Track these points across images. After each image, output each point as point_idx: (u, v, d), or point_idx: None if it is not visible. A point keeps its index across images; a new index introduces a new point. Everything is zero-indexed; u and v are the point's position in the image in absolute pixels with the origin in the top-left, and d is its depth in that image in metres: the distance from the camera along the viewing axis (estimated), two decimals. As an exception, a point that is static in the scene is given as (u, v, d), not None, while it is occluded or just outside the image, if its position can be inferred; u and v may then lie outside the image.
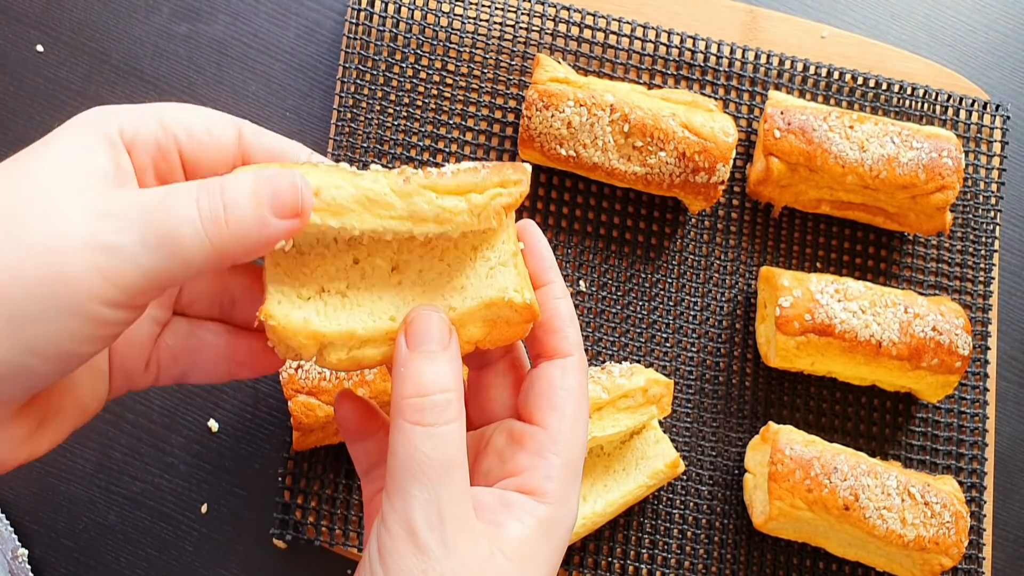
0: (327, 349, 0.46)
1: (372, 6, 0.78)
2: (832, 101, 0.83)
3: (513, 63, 0.80)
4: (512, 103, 0.79)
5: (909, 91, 0.84)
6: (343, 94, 0.77)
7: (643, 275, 0.79)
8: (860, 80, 0.83)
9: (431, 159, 0.78)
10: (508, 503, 0.45)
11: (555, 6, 0.80)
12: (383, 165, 0.77)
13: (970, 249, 0.83)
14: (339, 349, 0.46)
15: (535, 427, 0.47)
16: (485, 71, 0.79)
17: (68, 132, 0.44)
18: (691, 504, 0.76)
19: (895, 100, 0.84)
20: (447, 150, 0.78)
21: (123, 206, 0.41)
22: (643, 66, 0.81)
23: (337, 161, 0.76)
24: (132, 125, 0.45)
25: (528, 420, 0.48)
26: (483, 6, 0.80)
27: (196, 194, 0.41)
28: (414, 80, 0.78)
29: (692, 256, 0.80)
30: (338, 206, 0.44)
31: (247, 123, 0.48)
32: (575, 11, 0.81)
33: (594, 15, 0.81)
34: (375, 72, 0.78)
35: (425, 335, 0.45)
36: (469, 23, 0.79)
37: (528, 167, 0.48)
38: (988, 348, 0.81)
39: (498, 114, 0.79)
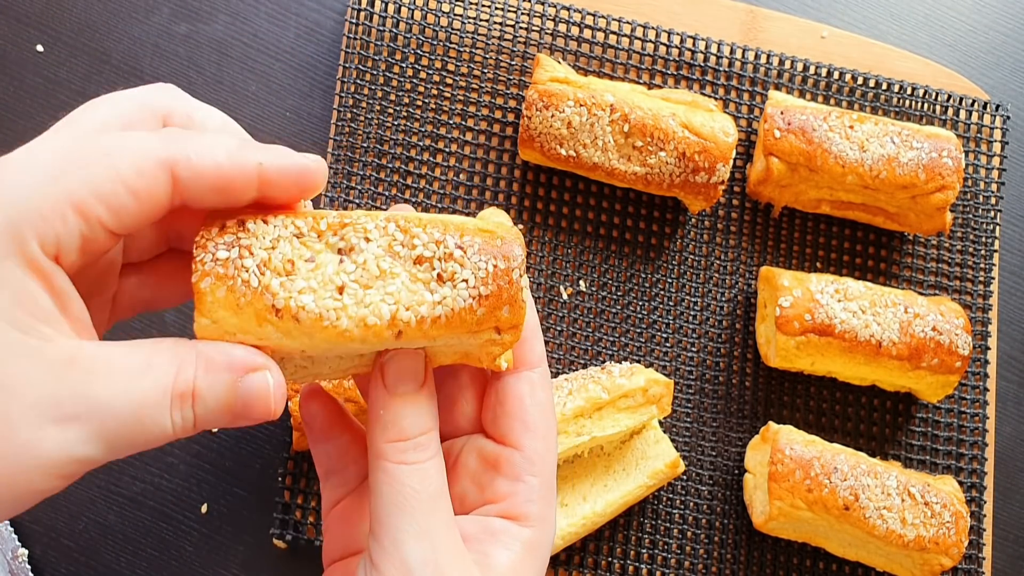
0: (283, 363, 0.44)
1: (372, 6, 0.78)
2: (832, 101, 0.83)
3: (513, 63, 0.80)
4: (512, 103, 0.79)
5: (909, 91, 0.84)
6: (343, 94, 0.77)
7: (643, 275, 0.79)
8: (860, 80, 0.83)
9: (431, 159, 0.78)
10: (492, 531, 0.45)
11: (555, 6, 0.80)
12: (384, 165, 0.77)
13: (970, 249, 0.83)
14: (293, 365, 0.45)
15: (510, 449, 0.47)
16: (485, 71, 0.79)
17: None
18: (691, 504, 0.76)
19: (895, 100, 0.84)
20: (447, 150, 0.78)
21: (88, 411, 0.38)
22: (643, 66, 0.81)
23: (337, 162, 0.76)
24: (52, 233, 0.39)
25: (501, 440, 0.47)
26: (483, 6, 0.80)
27: (169, 407, 0.40)
28: (414, 80, 0.78)
29: (692, 256, 0.80)
30: (321, 360, 0.45)
31: (180, 155, 0.41)
32: (575, 11, 0.81)
33: (594, 15, 0.81)
34: (375, 72, 0.78)
35: (403, 374, 0.44)
36: (469, 23, 0.79)
37: (525, 297, 0.45)
38: (988, 348, 0.81)
39: (498, 114, 0.79)
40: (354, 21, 0.78)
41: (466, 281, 0.43)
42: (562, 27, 0.81)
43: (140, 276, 0.49)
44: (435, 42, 0.79)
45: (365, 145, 0.77)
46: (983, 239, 0.83)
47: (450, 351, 0.46)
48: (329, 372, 0.46)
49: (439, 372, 0.51)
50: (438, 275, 0.43)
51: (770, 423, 0.74)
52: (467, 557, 0.43)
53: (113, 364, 0.39)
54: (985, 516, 0.79)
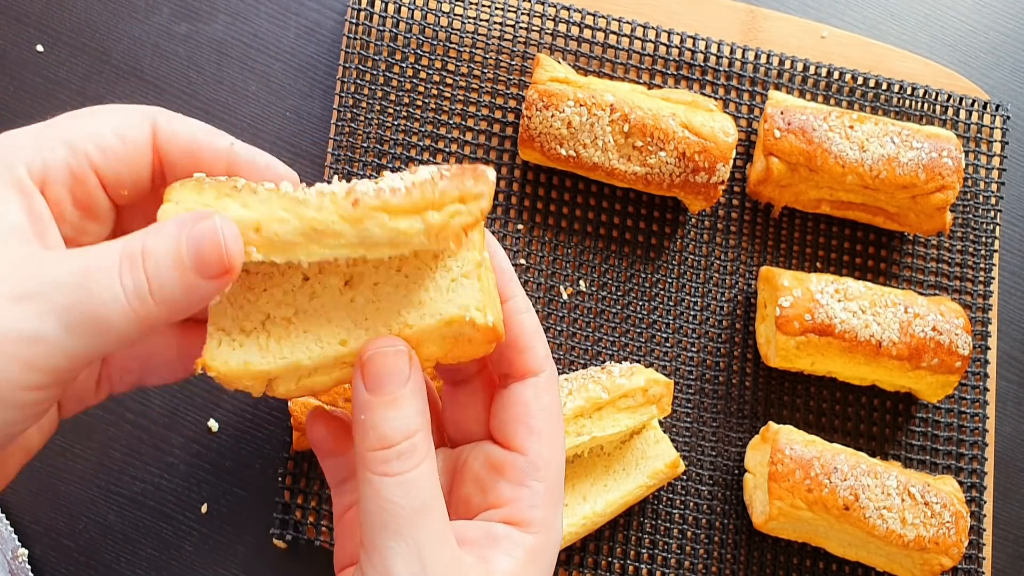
0: (275, 383, 0.44)
1: (372, 6, 0.78)
2: (832, 101, 0.83)
3: (513, 63, 0.80)
4: (512, 103, 0.79)
5: (909, 91, 0.84)
6: (343, 94, 0.77)
7: (643, 275, 0.79)
8: (860, 80, 0.83)
9: (431, 159, 0.78)
10: (494, 536, 0.44)
11: (555, 6, 0.80)
12: (383, 164, 0.77)
13: (970, 249, 0.83)
14: (288, 381, 0.44)
15: (514, 454, 0.46)
16: (485, 71, 0.79)
17: None
18: (691, 504, 0.76)
19: (895, 100, 0.84)
20: (447, 150, 0.78)
21: (39, 286, 0.38)
22: (643, 66, 0.81)
23: (337, 162, 0.76)
24: (40, 159, 0.42)
25: (506, 445, 0.46)
26: (483, 6, 0.80)
27: (118, 269, 0.38)
28: (414, 80, 0.78)
29: (692, 256, 0.80)
30: (282, 242, 0.40)
31: (161, 114, 0.45)
32: (575, 11, 0.81)
33: (594, 15, 0.81)
34: (375, 72, 0.78)
35: (383, 376, 0.42)
36: (469, 23, 0.79)
37: (491, 175, 0.43)
38: (988, 348, 0.81)
39: (498, 114, 0.79)
40: (354, 21, 0.78)
41: (429, 171, 0.42)
42: (562, 27, 0.81)
43: (128, 354, 0.49)
44: (435, 42, 0.79)
45: (365, 145, 0.77)
46: (983, 239, 0.83)
47: (436, 335, 0.44)
48: (325, 380, 0.44)
49: (450, 380, 0.50)
50: (401, 177, 0.41)
51: (770, 423, 0.74)
52: (464, 566, 0.42)
53: (68, 252, 0.39)
54: (985, 516, 0.79)
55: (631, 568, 0.74)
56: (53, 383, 0.39)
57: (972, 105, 0.85)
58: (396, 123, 0.77)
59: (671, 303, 0.79)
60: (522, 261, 0.78)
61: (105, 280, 0.38)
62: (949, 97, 0.84)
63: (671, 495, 0.76)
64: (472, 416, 0.49)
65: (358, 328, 0.43)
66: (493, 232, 0.78)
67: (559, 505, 0.46)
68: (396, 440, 0.41)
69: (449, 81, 0.79)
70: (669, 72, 0.81)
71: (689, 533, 0.75)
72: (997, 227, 0.84)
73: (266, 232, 0.40)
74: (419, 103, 0.78)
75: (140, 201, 0.47)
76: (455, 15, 0.79)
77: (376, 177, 0.44)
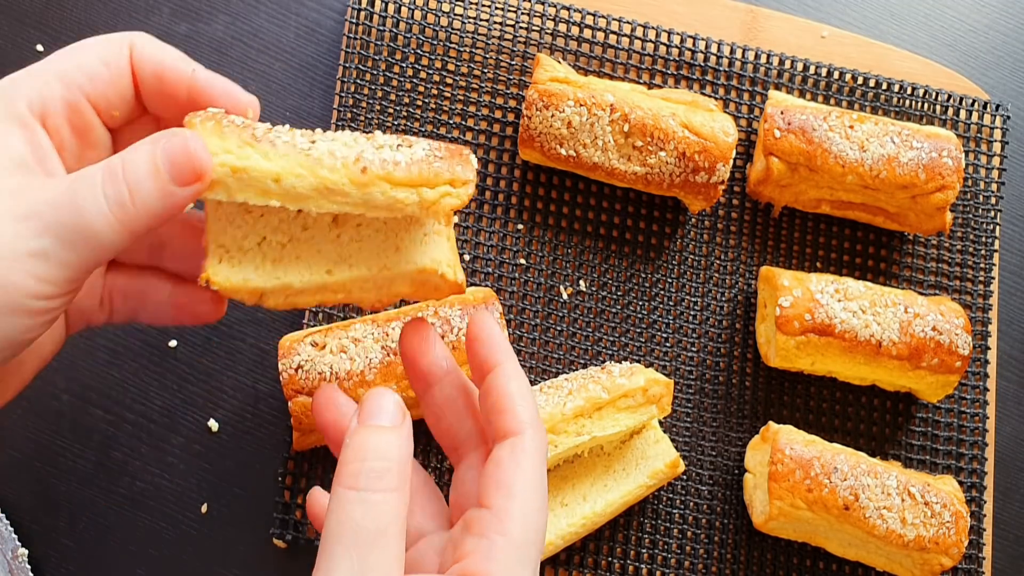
0: (265, 297, 0.49)
1: (372, 6, 0.78)
2: (832, 101, 0.83)
3: (513, 63, 0.80)
4: (512, 103, 0.79)
5: (909, 91, 0.84)
6: (343, 94, 0.77)
7: (643, 275, 0.79)
8: (860, 80, 0.83)
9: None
10: None
11: (555, 6, 0.80)
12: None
13: (970, 249, 0.83)
14: (277, 297, 0.49)
15: (483, 509, 0.46)
16: (485, 71, 0.79)
17: None
18: (691, 504, 0.76)
19: (895, 100, 0.84)
20: (447, 150, 0.78)
21: (36, 205, 0.42)
22: (643, 66, 0.81)
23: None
24: (38, 95, 0.46)
25: (480, 504, 0.46)
26: (483, 6, 0.80)
27: (100, 182, 0.42)
28: (414, 80, 0.78)
29: (692, 256, 0.80)
30: (297, 194, 0.46)
31: (138, 38, 0.49)
32: (575, 11, 0.81)
33: (594, 15, 0.81)
34: (375, 72, 0.78)
35: (376, 412, 0.44)
36: (469, 23, 0.79)
37: (474, 162, 0.49)
38: (988, 348, 0.81)
39: (498, 114, 0.79)
40: (354, 21, 0.78)
41: (424, 148, 0.48)
42: (562, 27, 0.81)
43: (127, 284, 0.52)
44: (435, 42, 0.79)
45: (365, 145, 0.77)
46: (983, 239, 0.83)
47: (408, 279, 0.50)
48: (308, 300, 0.49)
49: (452, 453, 0.52)
50: (398, 145, 0.47)
51: (770, 423, 0.74)
52: None
53: (62, 176, 0.45)
54: (985, 516, 0.79)
55: (631, 568, 0.74)
56: (59, 293, 0.43)
57: (972, 105, 0.85)
58: (396, 123, 0.77)
59: (671, 303, 0.79)
60: (522, 261, 0.78)
61: (89, 193, 0.42)
62: (949, 97, 0.84)
63: (671, 495, 0.76)
64: (470, 490, 0.50)
65: (343, 263, 0.49)
66: (493, 232, 0.78)
67: (526, 565, 0.45)
68: (369, 457, 0.43)
69: (449, 81, 0.79)
70: (669, 72, 0.81)
71: (689, 533, 0.75)
72: (997, 227, 0.84)
73: (284, 184, 0.45)
74: (419, 103, 0.78)
75: (133, 123, 0.51)
76: (455, 15, 0.79)
77: (369, 132, 0.52)
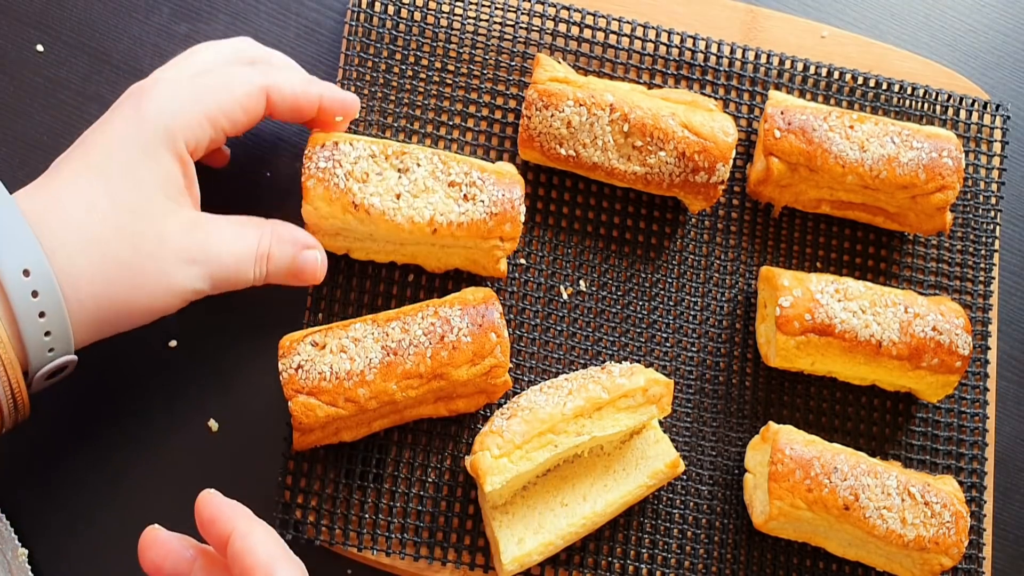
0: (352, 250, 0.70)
1: (372, 6, 0.78)
2: (832, 101, 0.83)
3: (513, 63, 0.80)
4: (512, 103, 0.79)
5: (909, 91, 0.84)
6: (343, 94, 0.77)
7: (643, 275, 0.79)
8: (860, 80, 0.83)
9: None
10: None
11: (555, 6, 0.80)
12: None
13: (970, 249, 0.83)
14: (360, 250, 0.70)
15: None
16: (485, 71, 0.79)
17: (147, 159, 0.58)
18: (691, 504, 0.76)
19: (895, 100, 0.84)
20: (447, 150, 0.78)
21: (206, 257, 0.60)
22: (643, 66, 0.81)
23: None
24: (195, 137, 0.60)
25: None
26: (483, 6, 0.80)
27: (254, 263, 0.63)
28: (414, 80, 0.78)
29: (692, 256, 0.80)
30: (381, 240, 0.69)
31: (271, 85, 0.63)
32: (575, 11, 0.81)
33: (594, 15, 0.81)
34: (375, 72, 0.78)
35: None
36: (469, 23, 0.79)
37: (522, 217, 0.69)
38: (988, 348, 0.81)
39: (498, 114, 0.79)
40: (354, 21, 0.78)
41: (483, 202, 0.66)
42: (562, 27, 0.81)
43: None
44: (435, 42, 0.79)
45: (365, 145, 0.77)
46: (983, 239, 0.83)
47: (465, 254, 0.70)
48: (383, 253, 0.70)
49: None
50: (464, 195, 0.66)
51: (770, 423, 0.74)
52: None
53: (221, 230, 0.61)
54: (985, 516, 0.79)
55: (631, 568, 0.74)
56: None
57: (972, 105, 0.85)
58: (396, 123, 0.77)
59: (671, 303, 0.79)
60: (522, 261, 0.78)
61: (246, 268, 0.62)
62: (949, 97, 0.84)
63: (671, 495, 0.76)
64: None
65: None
66: (493, 232, 0.78)
67: None
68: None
69: (449, 81, 0.79)
70: (669, 72, 0.81)
71: (689, 533, 0.75)
72: (997, 227, 0.84)
73: (376, 238, 0.68)
74: (419, 103, 0.78)
75: None
76: (455, 15, 0.79)
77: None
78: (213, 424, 0.73)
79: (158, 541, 0.55)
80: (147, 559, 0.55)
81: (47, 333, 0.56)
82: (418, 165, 0.66)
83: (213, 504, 0.54)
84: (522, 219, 0.67)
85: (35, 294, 0.55)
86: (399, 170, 0.66)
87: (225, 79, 0.62)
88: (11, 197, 0.56)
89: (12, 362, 0.55)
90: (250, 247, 0.62)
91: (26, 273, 0.54)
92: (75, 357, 0.59)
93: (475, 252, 0.69)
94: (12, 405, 0.57)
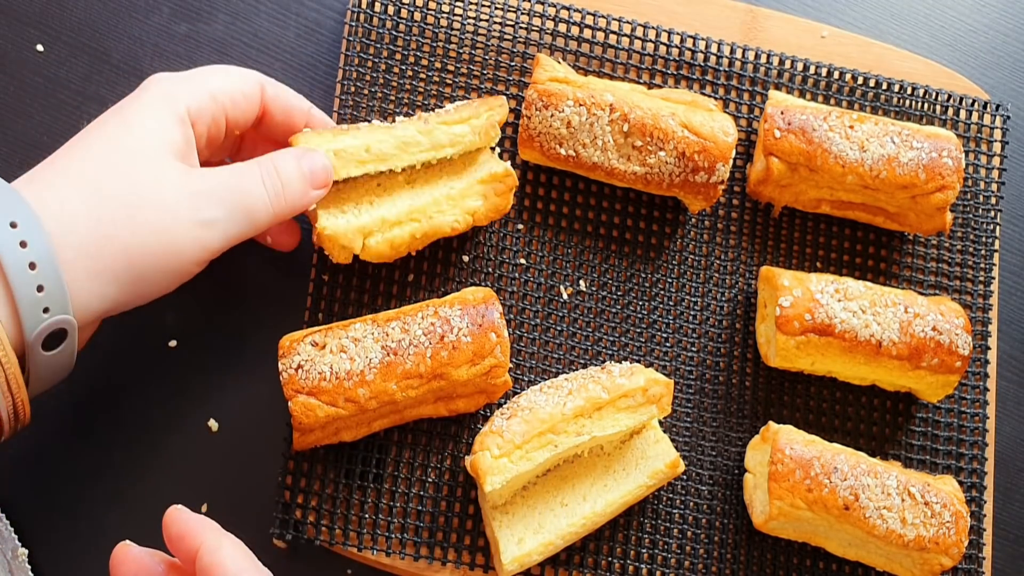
0: (369, 237, 0.66)
1: (372, 6, 0.78)
2: (832, 101, 0.83)
3: (513, 63, 0.80)
4: (512, 103, 0.79)
5: (909, 91, 0.84)
6: (343, 94, 0.77)
7: (643, 275, 0.79)
8: (860, 80, 0.83)
9: (431, 159, 0.78)
10: None
11: (555, 6, 0.80)
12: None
13: (970, 249, 0.83)
14: (376, 235, 0.67)
15: None
16: (485, 71, 0.79)
17: (145, 111, 0.58)
18: (691, 504, 0.76)
19: (895, 100, 0.84)
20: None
21: (209, 185, 0.57)
22: (643, 66, 0.81)
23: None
24: (196, 103, 0.59)
25: None
26: (483, 6, 0.80)
27: (261, 177, 0.60)
28: (414, 80, 0.78)
29: (692, 256, 0.80)
30: (384, 154, 0.66)
31: (267, 81, 0.66)
32: (575, 11, 0.81)
33: (594, 15, 0.81)
34: (375, 72, 0.78)
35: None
36: (469, 23, 0.79)
37: (503, 97, 0.72)
38: (988, 348, 0.81)
39: (498, 114, 0.79)
40: (354, 21, 0.78)
41: (460, 102, 0.72)
42: (562, 27, 0.81)
43: None
44: (435, 42, 0.79)
45: (365, 145, 0.77)
46: (983, 239, 0.83)
47: (474, 191, 0.71)
48: (402, 233, 0.69)
49: None
50: (444, 111, 0.71)
51: (770, 423, 0.74)
52: None
53: (219, 171, 0.59)
54: (985, 516, 0.79)
55: (631, 568, 0.74)
56: (207, 261, 0.59)
57: (972, 105, 0.85)
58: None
59: (671, 303, 0.79)
60: (522, 261, 0.78)
61: (254, 184, 0.59)
62: (949, 97, 0.84)
63: (671, 495, 0.76)
64: None
65: (419, 200, 0.69)
66: (492, 231, 0.78)
67: None
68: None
69: (449, 81, 0.79)
70: (669, 72, 0.81)
71: (689, 533, 0.75)
72: (997, 227, 0.84)
73: (374, 149, 0.66)
74: (419, 103, 0.78)
75: (245, 138, 0.71)
76: (455, 15, 0.79)
77: (411, 115, 0.75)
78: (213, 424, 0.73)
79: (129, 557, 0.54)
80: (119, 575, 0.54)
81: (39, 288, 0.51)
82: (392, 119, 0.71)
83: (181, 520, 0.54)
84: (502, 97, 0.73)
85: (23, 244, 0.51)
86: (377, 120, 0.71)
87: (223, 68, 0.64)
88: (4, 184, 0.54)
89: (9, 356, 0.52)
90: (250, 165, 0.60)
91: (13, 225, 0.51)
92: (73, 319, 0.54)
93: (480, 156, 0.72)
94: (12, 412, 0.54)
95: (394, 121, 0.68)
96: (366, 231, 0.66)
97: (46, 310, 0.52)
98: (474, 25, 0.79)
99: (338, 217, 0.66)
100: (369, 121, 0.77)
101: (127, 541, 0.55)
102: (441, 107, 0.78)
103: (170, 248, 0.55)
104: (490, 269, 0.77)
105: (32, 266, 0.51)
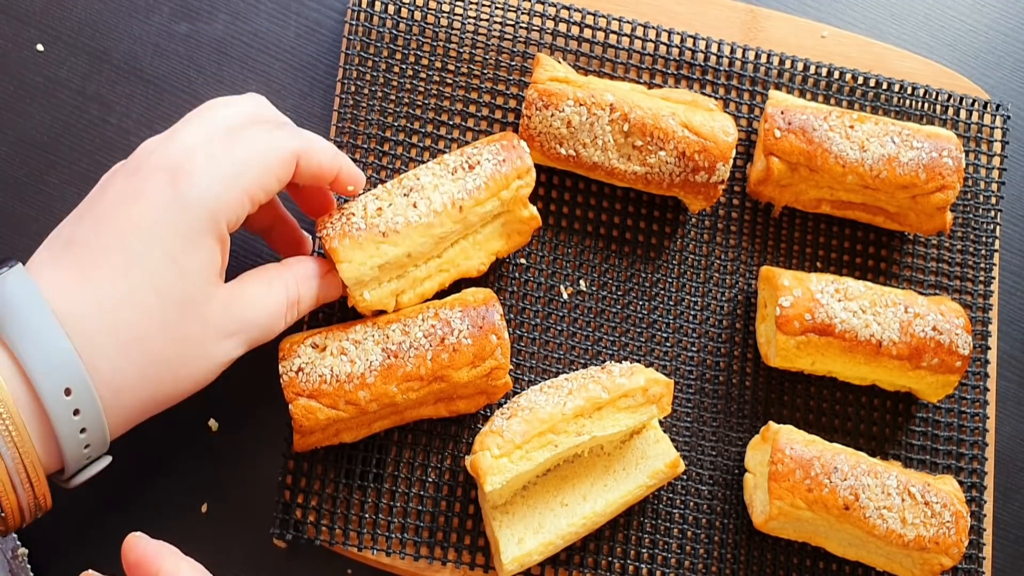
0: (402, 296, 0.68)
1: (372, 6, 0.78)
2: (832, 101, 0.83)
3: (513, 63, 0.80)
4: (512, 103, 0.79)
5: (909, 91, 0.84)
6: (343, 94, 0.77)
7: (643, 275, 0.79)
8: (860, 80, 0.83)
9: (431, 158, 0.78)
10: None
11: (555, 6, 0.80)
12: (384, 165, 0.77)
13: (970, 249, 0.83)
14: (408, 292, 0.68)
15: None
16: (485, 71, 0.79)
17: (190, 246, 0.57)
18: (691, 504, 0.76)
19: (895, 100, 0.84)
20: (447, 150, 0.78)
21: (241, 326, 0.60)
22: (643, 66, 0.81)
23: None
24: (235, 216, 0.58)
25: None
26: (483, 6, 0.80)
27: (285, 311, 0.63)
28: (414, 80, 0.78)
29: (692, 256, 0.80)
30: (424, 254, 0.67)
31: (303, 151, 0.61)
32: (575, 11, 0.81)
33: (594, 15, 0.81)
34: (375, 72, 0.78)
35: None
36: (469, 23, 0.79)
37: (525, 146, 0.70)
38: (988, 348, 0.81)
39: (498, 114, 0.79)
40: (354, 21, 0.78)
41: (488, 160, 0.68)
42: (562, 27, 0.81)
43: None
44: (435, 42, 0.79)
45: (365, 146, 0.77)
46: (983, 239, 0.83)
47: (499, 224, 0.71)
48: (427, 275, 0.69)
49: None
50: (468, 166, 0.68)
51: (770, 423, 0.74)
52: None
53: (252, 295, 0.61)
54: (985, 516, 0.79)
55: (631, 568, 0.74)
56: None
57: (972, 105, 0.85)
58: (396, 123, 0.77)
59: (671, 303, 0.79)
60: (522, 261, 0.77)
61: (279, 320, 0.63)
62: (949, 97, 0.84)
63: (671, 495, 0.76)
64: None
65: (444, 251, 0.70)
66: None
67: None
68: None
69: (449, 81, 0.79)
70: (669, 72, 0.81)
71: (689, 533, 0.75)
72: (997, 227, 0.84)
73: (414, 254, 0.66)
74: (419, 103, 0.78)
75: None
76: (455, 15, 0.79)
77: (430, 160, 0.75)
78: (213, 424, 0.73)
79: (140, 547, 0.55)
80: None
81: (86, 446, 0.56)
82: (418, 179, 0.67)
83: (139, 547, 0.54)
84: (527, 147, 0.71)
85: (76, 412, 0.54)
86: (405, 193, 0.66)
87: (261, 148, 0.59)
88: (49, 311, 0.53)
89: (39, 477, 0.55)
90: (279, 301, 0.62)
91: (67, 392, 0.53)
92: (109, 457, 0.60)
93: (506, 214, 0.70)
94: (34, 503, 0.56)
95: (416, 175, 0.68)
96: (399, 291, 0.68)
97: (87, 454, 0.57)
98: (474, 25, 0.79)
99: (373, 289, 0.66)
100: (369, 121, 0.77)
101: (90, 571, 0.56)
102: (452, 122, 0.78)
103: (198, 386, 0.61)
104: (490, 269, 0.77)
105: (83, 431, 0.55)
